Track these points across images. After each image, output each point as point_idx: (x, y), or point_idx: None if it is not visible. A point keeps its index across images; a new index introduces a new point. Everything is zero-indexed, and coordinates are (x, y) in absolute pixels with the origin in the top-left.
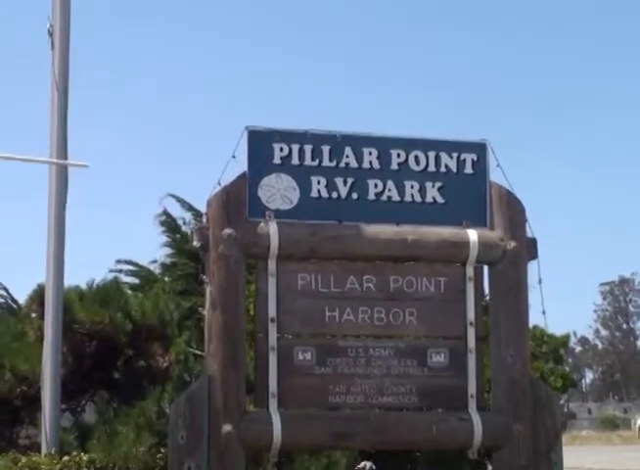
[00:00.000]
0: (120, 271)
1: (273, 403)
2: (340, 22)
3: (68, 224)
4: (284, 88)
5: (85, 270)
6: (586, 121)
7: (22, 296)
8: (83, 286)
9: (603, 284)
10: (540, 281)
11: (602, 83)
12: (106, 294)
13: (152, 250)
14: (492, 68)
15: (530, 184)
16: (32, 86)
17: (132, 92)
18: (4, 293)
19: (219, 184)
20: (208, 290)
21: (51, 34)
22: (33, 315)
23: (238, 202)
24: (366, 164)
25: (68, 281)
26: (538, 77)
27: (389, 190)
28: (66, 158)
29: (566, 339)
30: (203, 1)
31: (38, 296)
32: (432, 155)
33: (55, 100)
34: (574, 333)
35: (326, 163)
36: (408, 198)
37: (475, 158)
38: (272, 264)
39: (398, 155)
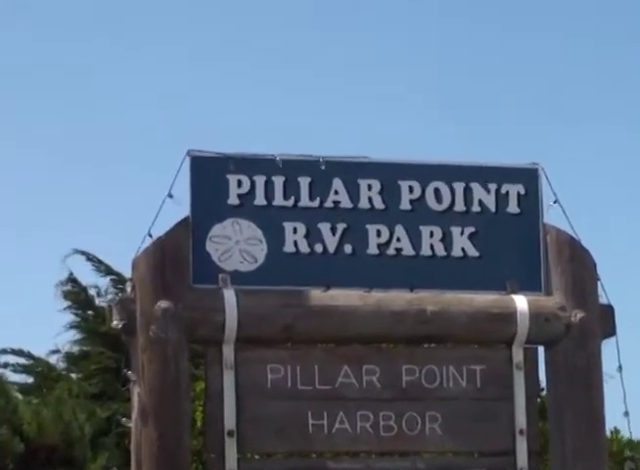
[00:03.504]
0: (6, 366)
1: None
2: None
3: None
4: (249, 100)
5: None
6: None
7: None
8: None
9: None
10: (620, 367)
11: None
12: None
13: (51, 334)
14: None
15: (597, 226)
16: None
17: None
18: None
19: (150, 236)
20: (136, 392)
21: None
22: None
23: (177, 261)
24: (364, 203)
25: None
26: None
27: (399, 240)
28: None
29: None
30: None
31: None
32: (459, 187)
33: None
34: None
35: (305, 201)
36: (426, 251)
37: (522, 190)
38: (229, 352)
39: (411, 188)
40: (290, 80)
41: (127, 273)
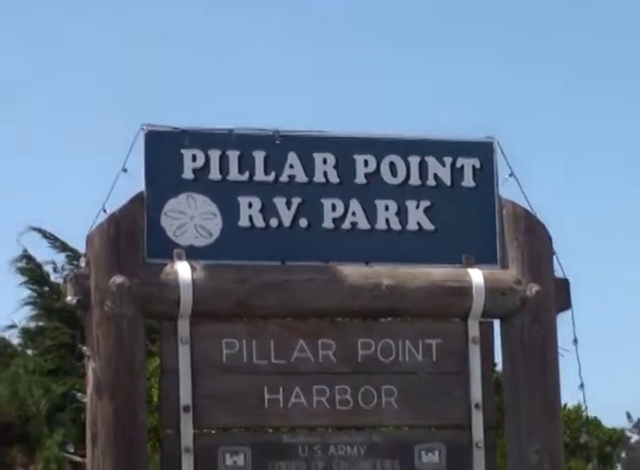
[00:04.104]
0: None
1: None
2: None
3: None
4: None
5: None
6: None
7: None
8: None
9: None
10: (576, 341)
11: None
12: None
13: (7, 310)
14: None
15: (551, 198)
16: None
17: None
18: None
19: (104, 211)
20: (91, 367)
21: None
22: None
23: (131, 236)
24: (319, 177)
25: None
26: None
27: (354, 214)
28: None
29: (614, 433)
30: None
31: None
32: (414, 161)
33: None
34: (629, 415)
35: (260, 176)
36: (381, 225)
37: (477, 164)
38: (184, 327)
39: (366, 162)
40: (243, 54)
41: (82, 249)
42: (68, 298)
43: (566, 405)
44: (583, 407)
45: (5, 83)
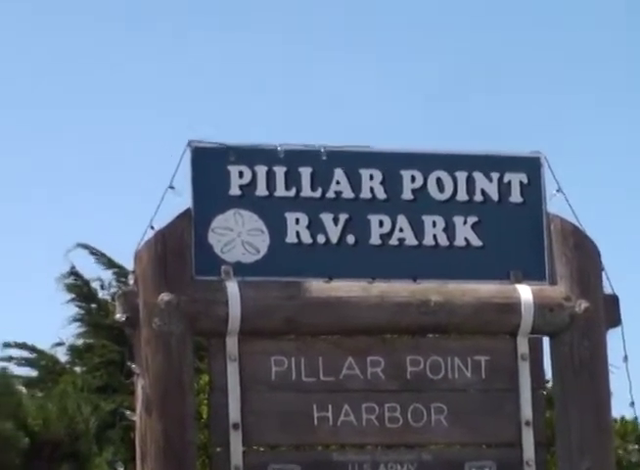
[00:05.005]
0: (10, 360)
1: None
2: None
3: None
4: (251, 89)
5: None
6: None
7: None
8: None
9: None
10: (626, 358)
11: None
12: None
13: (55, 327)
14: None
15: (600, 213)
16: None
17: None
18: None
19: (152, 228)
20: (140, 385)
21: None
22: None
23: (179, 253)
24: (366, 193)
25: None
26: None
27: (401, 230)
28: None
29: None
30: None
31: None
32: (461, 176)
33: None
34: None
35: (307, 192)
36: (429, 241)
37: (525, 179)
38: (232, 344)
39: (413, 178)
40: (289, 70)
41: (130, 266)
42: (117, 315)
43: (623, 418)
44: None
45: (49, 104)
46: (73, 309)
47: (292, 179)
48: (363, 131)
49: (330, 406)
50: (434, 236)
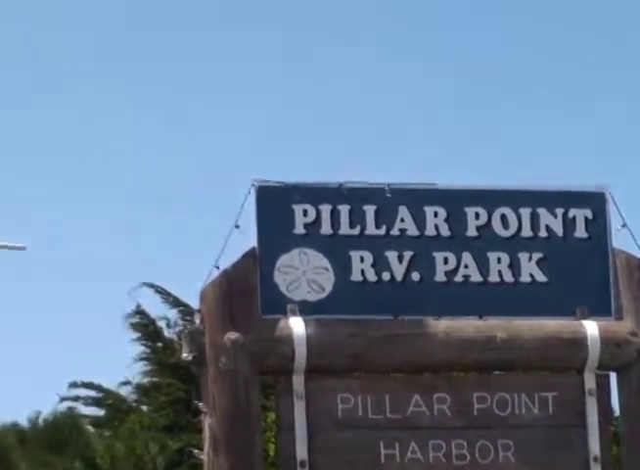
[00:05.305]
0: (77, 399)
1: None
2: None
3: None
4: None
5: (25, 400)
6: None
7: None
8: (24, 423)
9: None
10: None
11: None
12: (57, 433)
13: (121, 366)
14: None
15: None
16: None
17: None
18: None
19: (217, 267)
20: (207, 423)
21: None
22: None
23: (245, 292)
24: (430, 231)
25: (1, 416)
26: None
27: (466, 267)
28: None
29: None
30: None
31: None
32: (526, 213)
33: None
34: None
35: (371, 230)
36: (494, 277)
37: (589, 214)
38: (299, 382)
39: (477, 215)
40: (349, 110)
41: (195, 305)
42: (184, 354)
43: None
44: None
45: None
46: (139, 348)
47: (356, 217)
48: (423, 168)
49: (397, 444)
50: (500, 272)
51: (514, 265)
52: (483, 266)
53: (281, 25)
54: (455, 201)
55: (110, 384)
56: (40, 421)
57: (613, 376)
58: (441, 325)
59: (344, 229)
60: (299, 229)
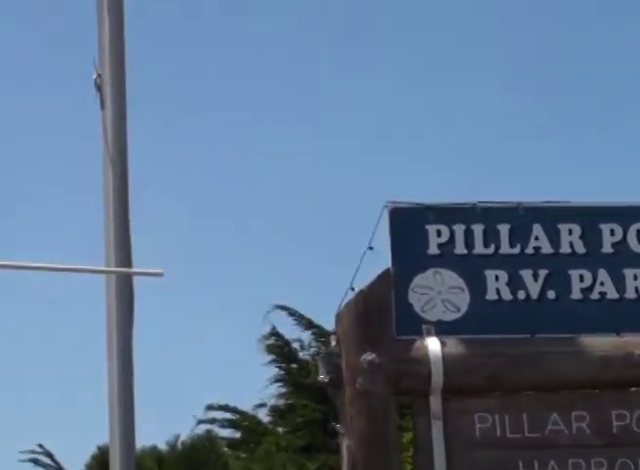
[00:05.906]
0: (213, 421)
1: None
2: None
3: (135, 358)
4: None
5: (164, 423)
6: None
7: (72, 462)
8: (162, 446)
9: None
10: None
11: None
12: (195, 456)
13: (257, 388)
14: None
15: None
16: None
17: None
18: (48, 460)
19: (352, 289)
20: (345, 444)
21: (99, 88)
22: None
23: (380, 313)
24: (565, 248)
25: (141, 440)
26: None
27: (602, 284)
28: (130, 265)
29: None
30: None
31: (99, 463)
32: None
33: (109, 184)
34: None
35: (506, 249)
36: (631, 294)
37: None
38: (436, 402)
39: (612, 231)
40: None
41: (328, 326)
42: (321, 376)
43: None
44: None
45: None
46: (274, 370)
47: (490, 236)
48: (557, 190)
49: (536, 463)
50: (636, 289)
51: None
52: (620, 283)
53: None
54: (589, 217)
55: (245, 406)
56: (179, 444)
57: None
58: (579, 343)
59: (479, 248)
60: (434, 249)
